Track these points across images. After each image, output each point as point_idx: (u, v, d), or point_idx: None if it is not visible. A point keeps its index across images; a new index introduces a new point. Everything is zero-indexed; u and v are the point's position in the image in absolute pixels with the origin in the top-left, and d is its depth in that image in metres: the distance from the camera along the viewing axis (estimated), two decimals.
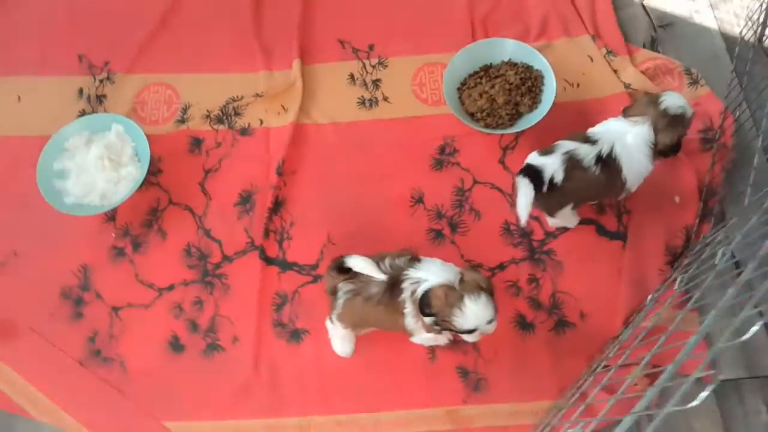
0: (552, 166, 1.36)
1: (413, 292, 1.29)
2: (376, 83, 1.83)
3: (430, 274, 1.29)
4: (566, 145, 1.39)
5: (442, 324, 1.28)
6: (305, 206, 1.68)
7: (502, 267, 1.57)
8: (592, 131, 1.42)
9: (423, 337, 1.42)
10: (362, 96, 1.81)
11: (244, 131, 1.79)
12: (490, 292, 1.26)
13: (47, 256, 1.65)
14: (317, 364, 1.50)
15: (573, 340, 1.49)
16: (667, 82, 1.76)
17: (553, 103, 1.65)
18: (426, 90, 1.80)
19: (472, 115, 1.69)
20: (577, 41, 1.82)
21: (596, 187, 1.42)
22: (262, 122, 1.79)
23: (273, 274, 1.60)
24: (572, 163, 1.36)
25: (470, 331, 1.26)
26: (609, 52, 1.79)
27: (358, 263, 1.33)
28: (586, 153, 1.37)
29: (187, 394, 1.50)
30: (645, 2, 1.91)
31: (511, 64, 1.73)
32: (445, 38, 1.86)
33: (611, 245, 1.57)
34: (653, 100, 1.37)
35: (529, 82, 1.69)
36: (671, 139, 1.37)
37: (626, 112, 1.42)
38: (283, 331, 1.54)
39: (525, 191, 1.35)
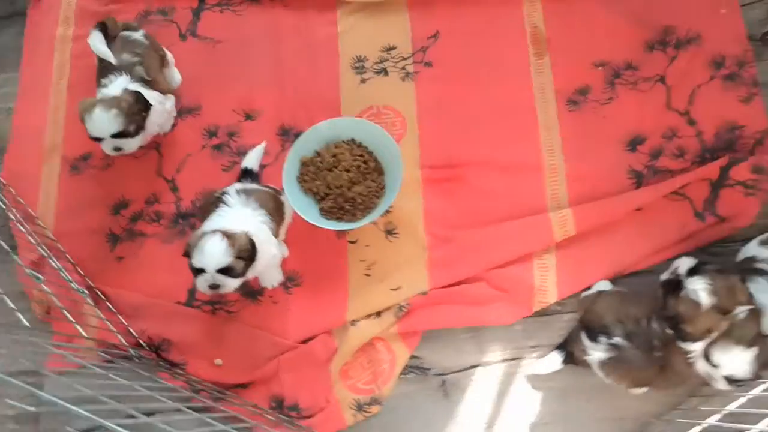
0: None
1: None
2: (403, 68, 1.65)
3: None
4: None
5: None
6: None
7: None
8: None
9: None
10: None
11: None
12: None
13: None
14: None
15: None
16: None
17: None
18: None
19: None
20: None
21: None
22: None
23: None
24: None
25: (99, 140, 1.44)
26: (401, 309, 1.44)
27: (96, 41, 1.49)
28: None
29: None
30: None
31: (370, 157, 1.51)
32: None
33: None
34: None
35: (360, 187, 1.47)
36: None
37: None
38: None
39: None
